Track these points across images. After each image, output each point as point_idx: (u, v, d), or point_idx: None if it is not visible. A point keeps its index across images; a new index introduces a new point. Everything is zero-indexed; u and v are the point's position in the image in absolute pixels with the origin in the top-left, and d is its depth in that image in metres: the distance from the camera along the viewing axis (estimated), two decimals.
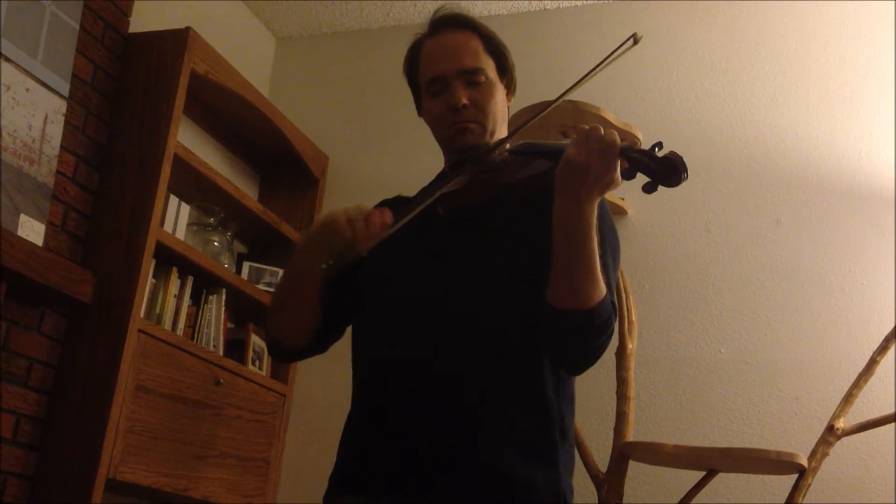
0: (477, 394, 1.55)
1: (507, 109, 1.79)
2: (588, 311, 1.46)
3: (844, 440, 2.61)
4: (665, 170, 1.37)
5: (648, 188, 1.41)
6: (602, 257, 1.55)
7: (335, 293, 1.74)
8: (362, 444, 1.65)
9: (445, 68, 1.71)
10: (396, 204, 1.75)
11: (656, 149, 1.37)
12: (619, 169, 1.42)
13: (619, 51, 1.59)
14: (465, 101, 1.69)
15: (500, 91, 1.74)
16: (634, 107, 3.42)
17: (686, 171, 1.35)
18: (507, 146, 1.65)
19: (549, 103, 1.71)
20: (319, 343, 1.80)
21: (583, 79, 1.61)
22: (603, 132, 1.41)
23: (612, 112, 2.91)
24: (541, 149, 1.52)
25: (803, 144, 3.22)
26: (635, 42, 1.59)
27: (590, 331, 1.50)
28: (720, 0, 3.48)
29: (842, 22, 3.30)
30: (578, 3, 3.70)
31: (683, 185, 3.56)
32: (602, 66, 1.60)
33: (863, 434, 2.64)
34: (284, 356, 1.87)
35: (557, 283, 1.47)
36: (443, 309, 1.59)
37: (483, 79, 1.70)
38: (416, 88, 1.81)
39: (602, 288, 1.47)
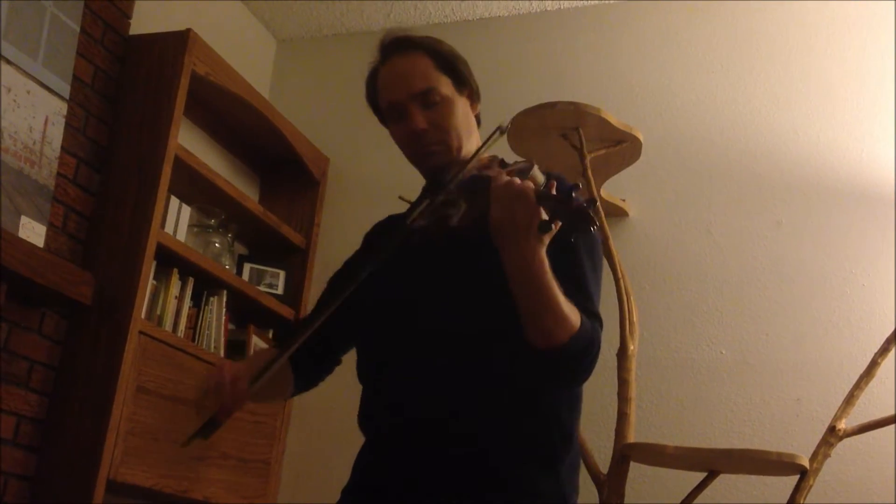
0: (475, 406, 1.56)
1: (473, 119, 1.76)
2: (561, 347, 1.46)
3: (846, 441, 2.60)
4: (573, 220, 1.33)
5: (544, 228, 1.36)
6: (578, 269, 1.57)
7: (321, 337, 1.76)
8: (369, 460, 1.69)
9: (397, 95, 1.70)
10: (391, 225, 1.75)
11: (572, 193, 1.33)
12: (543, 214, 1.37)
13: (490, 142, 1.59)
14: (423, 125, 1.67)
15: (460, 105, 1.72)
16: (635, 108, 3.41)
17: (593, 223, 1.31)
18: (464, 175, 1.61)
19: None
20: (308, 383, 1.86)
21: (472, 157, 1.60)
22: (515, 184, 1.39)
23: (613, 113, 2.90)
24: (480, 185, 1.50)
25: (804, 145, 3.22)
26: (501, 133, 1.58)
27: (568, 363, 1.49)
28: (721, 1, 3.48)
29: (842, 22, 3.29)
30: (579, 4, 3.70)
31: (684, 185, 3.56)
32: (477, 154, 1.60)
33: (864, 435, 2.63)
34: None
35: (527, 329, 1.46)
36: (433, 330, 1.60)
37: (438, 98, 1.68)
38: (379, 114, 1.80)
39: (573, 321, 1.46)
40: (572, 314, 1.46)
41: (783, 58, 3.34)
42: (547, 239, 1.40)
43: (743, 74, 3.37)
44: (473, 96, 1.77)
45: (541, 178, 1.46)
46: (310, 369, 1.83)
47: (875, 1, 3.25)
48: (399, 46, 1.74)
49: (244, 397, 1.58)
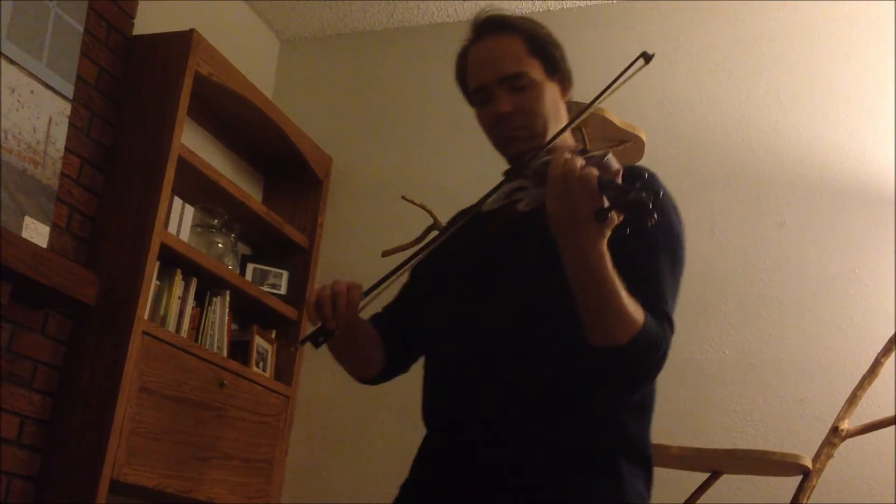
0: (529, 404, 1.52)
1: (562, 105, 1.71)
2: (623, 347, 1.39)
3: (848, 442, 2.60)
4: (630, 212, 1.26)
5: (600, 217, 1.28)
6: (652, 265, 1.50)
7: (398, 321, 1.79)
8: (427, 454, 1.66)
9: (486, 77, 1.66)
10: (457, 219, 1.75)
11: (637, 182, 1.25)
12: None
13: (631, 70, 1.53)
14: (508, 108, 1.63)
15: (549, 90, 1.67)
16: (638, 108, 3.41)
17: (650, 217, 1.23)
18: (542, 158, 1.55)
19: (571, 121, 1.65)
20: (396, 368, 1.83)
21: (596, 99, 1.57)
22: (575, 168, 1.30)
23: (616, 113, 2.90)
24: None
25: (807, 146, 3.22)
26: (647, 61, 1.55)
27: (629, 363, 1.43)
28: (724, 1, 3.48)
29: (845, 23, 3.29)
30: (582, 4, 3.70)
31: (688, 186, 3.56)
32: (615, 86, 1.55)
33: (867, 435, 2.63)
34: (366, 383, 1.86)
35: (586, 325, 1.40)
36: (492, 331, 1.58)
37: (526, 82, 1.64)
38: (467, 95, 1.76)
39: (635, 320, 1.38)
40: (636, 313, 1.39)
41: (786, 58, 3.34)
42: (607, 231, 1.31)
43: (745, 75, 3.37)
44: (565, 82, 1.72)
45: (615, 166, 1.38)
46: (399, 350, 1.80)
47: (877, 1, 3.24)
48: (492, 27, 1.70)
49: (356, 305, 1.55)
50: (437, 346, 1.70)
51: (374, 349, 1.76)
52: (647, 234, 1.37)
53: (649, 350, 1.42)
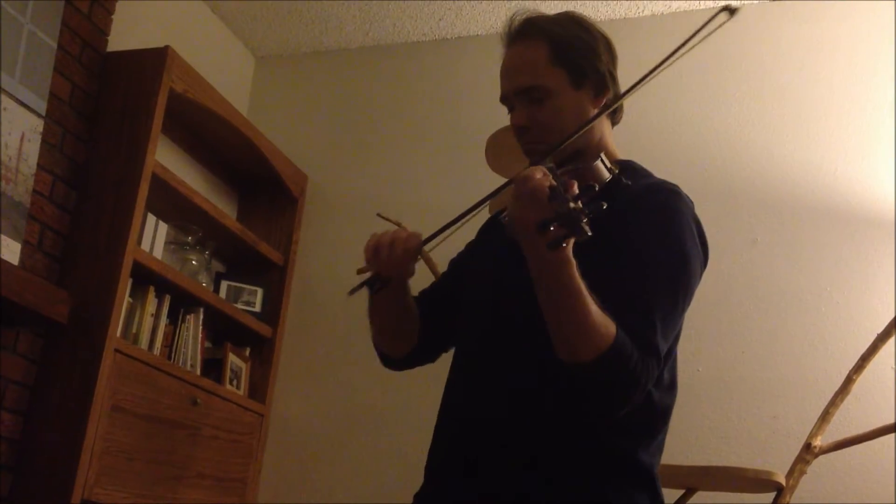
0: (514, 425, 1.48)
1: (592, 113, 1.63)
2: (587, 365, 1.33)
3: (821, 458, 2.62)
4: (566, 224, 1.19)
5: (540, 228, 1.21)
6: (642, 283, 1.43)
7: (435, 305, 1.76)
8: (431, 463, 1.63)
9: (505, 88, 1.63)
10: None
11: (588, 193, 1.19)
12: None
13: (712, 26, 1.46)
14: (523, 122, 1.60)
15: (572, 100, 1.60)
16: None
17: (580, 231, 1.18)
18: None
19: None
20: (425, 352, 1.79)
21: (670, 56, 1.51)
22: (531, 178, 1.26)
23: None
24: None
25: (779, 164, 3.25)
26: (731, 15, 1.47)
27: (595, 383, 1.36)
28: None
29: (815, 42, 3.33)
30: None
31: None
32: (690, 43, 1.48)
33: (839, 452, 2.65)
34: (392, 365, 1.82)
35: (551, 337, 1.36)
36: (496, 326, 1.56)
37: (543, 95, 1.58)
38: None
39: (603, 338, 1.32)
40: (604, 331, 1.33)
41: (758, 77, 3.37)
42: (563, 242, 1.24)
43: (717, 94, 3.40)
44: (599, 86, 1.65)
45: (604, 175, 1.32)
46: (432, 332, 1.75)
47: (847, 21, 3.29)
48: (517, 33, 1.64)
49: (414, 255, 1.55)
50: (456, 352, 1.68)
51: (412, 325, 1.73)
52: (648, 252, 1.37)
53: (618, 375, 1.35)
